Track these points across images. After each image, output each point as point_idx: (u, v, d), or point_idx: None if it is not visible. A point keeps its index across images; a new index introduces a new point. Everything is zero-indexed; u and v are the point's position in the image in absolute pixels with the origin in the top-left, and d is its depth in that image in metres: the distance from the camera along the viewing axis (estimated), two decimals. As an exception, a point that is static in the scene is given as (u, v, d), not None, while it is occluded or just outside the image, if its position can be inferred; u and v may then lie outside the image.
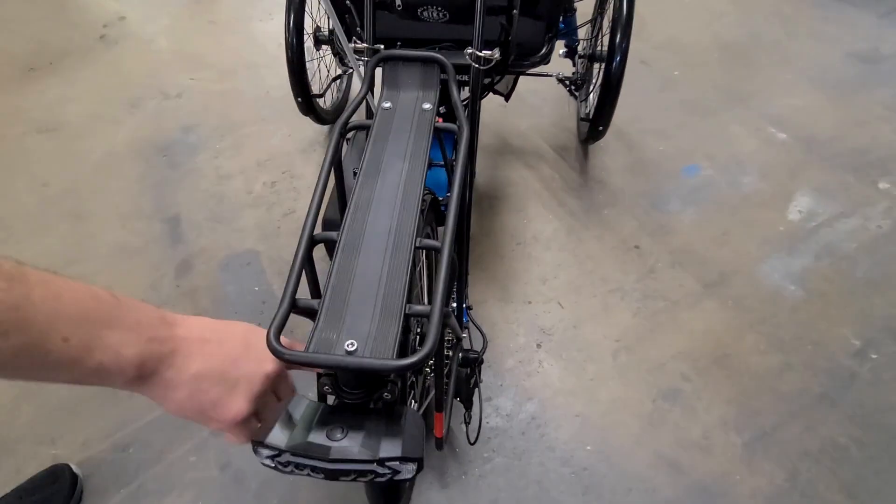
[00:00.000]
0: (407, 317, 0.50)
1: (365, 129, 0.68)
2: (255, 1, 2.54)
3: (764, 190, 1.66)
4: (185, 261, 1.50)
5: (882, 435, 1.15)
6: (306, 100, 1.56)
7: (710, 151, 1.78)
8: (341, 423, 0.46)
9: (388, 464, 0.43)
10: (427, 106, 0.69)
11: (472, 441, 1.02)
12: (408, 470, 0.44)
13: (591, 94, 1.63)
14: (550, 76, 1.62)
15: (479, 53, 0.80)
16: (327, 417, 0.47)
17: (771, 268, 1.46)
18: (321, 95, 1.64)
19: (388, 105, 0.70)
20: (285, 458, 0.44)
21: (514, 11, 0.87)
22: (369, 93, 0.77)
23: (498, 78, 1.13)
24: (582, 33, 1.61)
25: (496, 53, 0.81)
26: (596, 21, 1.59)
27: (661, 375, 1.25)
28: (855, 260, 1.47)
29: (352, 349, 0.46)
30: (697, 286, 1.42)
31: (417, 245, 0.55)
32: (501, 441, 1.15)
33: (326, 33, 1.62)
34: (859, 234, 1.53)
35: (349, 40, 1.34)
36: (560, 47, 1.59)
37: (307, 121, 1.89)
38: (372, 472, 0.44)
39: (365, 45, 0.85)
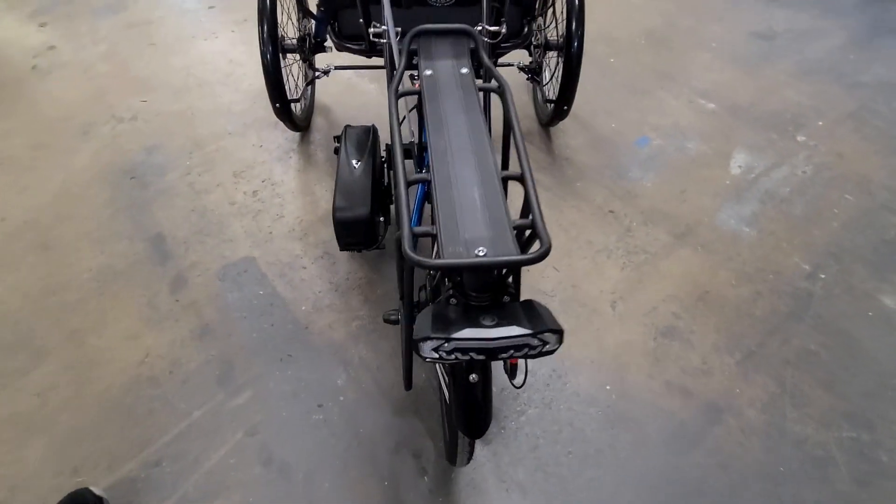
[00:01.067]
0: (515, 229, 0.57)
1: (416, 94, 0.75)
2: (195, 22, 2.51)
3: (707, 152, 1.87)
4: (178, 276, 1.46)
5: (841, 338, 1.34)
6: (284, 105, 1.58)
7: (655, 123, 1.98)
8: (487, 315, 0.52)
9: (539, 336, 0.50)
10: (465, 70, 0.77)
11: (519, 385, 1.09)
12: (554, 341, 0.51)
13: (550, 80, 1.78)
14: (511, 66, 1.75)
15: (490, 28, 0.89)
16: (465, 314, 0.53)
17: (726, 216, 1.65)
18: (298, 100, 1.67)
19: (429, 73, 0.77)
20: (452, 345, 0.50)
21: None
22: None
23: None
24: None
25: (503, 28, 0.90)
26: (546, 14, 1.74)
27: (655, 317, 1.39)
28: (791, 201, 1.70)
29: (482, 254, 0.53)
30: (669, 238, 1.58)
31: (502, 176, 0.63)
32: (529, 395, 1.23)
33: (293, 43, 1.65)
34: (790, 179, 1.77)
35: (340, 38, 1.40)
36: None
37: (277, 131, 1.91)
38: (527, 345, 0.51)
39: (384, 27, 0.91)
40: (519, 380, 1.11)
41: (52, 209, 1.64)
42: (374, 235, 1.30)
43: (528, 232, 0.60)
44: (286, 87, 1.59)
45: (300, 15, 1.68)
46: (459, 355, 0.51)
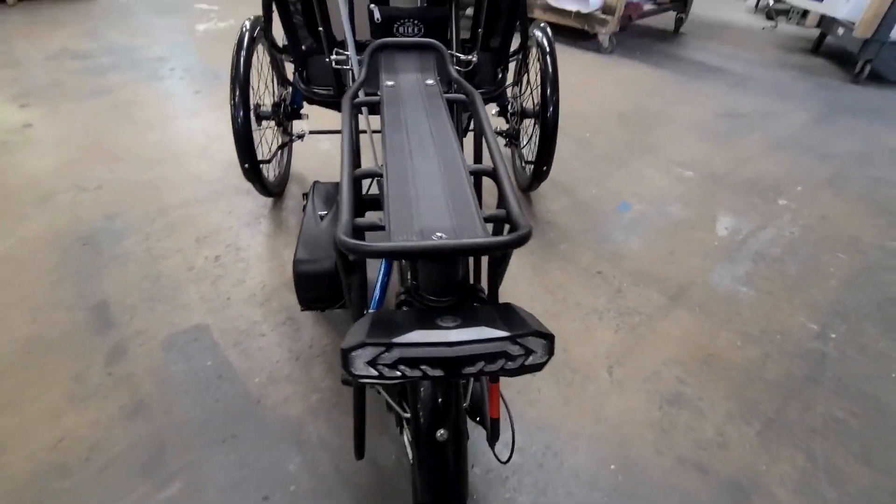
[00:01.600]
0: (487, 220, 0.45)
1: (374, 104, 0.67)
2: (178, 102, 2.55)
3: (690, 216, 1.83)
4: (117, 346, 1.29)
5: (867, 402, 1.19)
6: (253, 165, 1.52)
7: (635, 190, 1.96)
8: (447, 316, 0.38)
9: (520, 340, 0.36)
10: (430, 82, 0.70)
11: (505, 460, 0.90)
12: (542, 349, 0.37)
13: (527, 144, 1.77)
14: (489, 131, 1.74)
15: (462, 57, 0.85)
16: (421, 317, 0.39)
17: (720, 276, 1.56)
18: (268, 161, 1.61)
19: (391, 83, 0.70)
20: (395, 353, 0.35)
21: (479, 31, 0.95)
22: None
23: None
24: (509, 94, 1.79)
25: (473, 57, 0.86)
26: (519, 83, 1.78)
27: (658, 383, 1.23)
28: (784, 261, 1.63)
29: (442, 237, 0.41)
30: (663, 299, 1.47)
31: (472, 170, 0.53)
32: (520, 478, 1.03)
33: (269, 109, 1.64)
34: (779, 240, 1.72)
35: (308, 85, 1.37)
36: (493, 108, 1.75)
37: (248, 198, 1.84)
38: (504, 353, 0.36)
39: (347, 53, 0.87)
40: (504, 454, 0.93)
41: (-11, 277, 1.48)
42: (339, 291, 1.17)
43: (506, 228, 0.48)
44: (258, 150, 1.54)
45: (278, 83, 1.69)
46: (407, 370, 0.37)
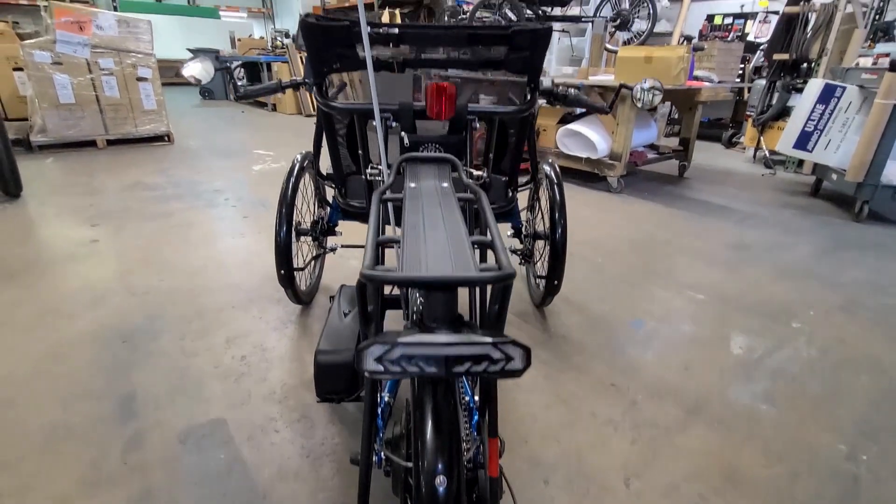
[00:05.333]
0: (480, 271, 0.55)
1: (399, 199, 0.82)
2: (228, 224, 2.85)
3: (704, 334, 1.86)
4: (136, 436, 1.32)
5: (914, 531, 1.09)
6: (288, 272, 1.68)
7: (648, 309, 2.02)
8: (441, 328, 0.46)
9: (501, 347, 0.43)
10: (445, 185, 0.86)
11: None
12: (520, 358, 0.44)
13: (539, 262, 1.91)
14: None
15: (474, 171, 1.02)
16: (422, 329, 0.47)
17: (738, 392, 1.54)
18: (302, 269, 1.77)
19: (413, 185, 0.86)
20: (398, 351, 0.43)
21: (490, 155, 1.14)
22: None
23: None
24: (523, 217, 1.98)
25: (484, 173, 1.03)
26: (533, 207, 1.98)
27: (679, 499, 1.17)
28: (803, 380, 1.60)
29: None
30: (681, 412, 1.45)
31: (472, 241, 0.63)
32: None
33: (307, 227, 1.86)
34: (796, 360, 1.71)
35: (345, 198, 1.57)
36: (508, 229, 1.93)
37: (279, 305, 1.97)
38: (487, 356, 0.43)
39: (380, 167, 1.05)
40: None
41: (32, 367, 1.59)
42: (355, 384, 1.22)
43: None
44: (294, 260, 1.71)
45: (318, 204, 1.93)
46: (407, 365, 0.43)
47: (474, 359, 0.44)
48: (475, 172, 1.02)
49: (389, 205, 0.87)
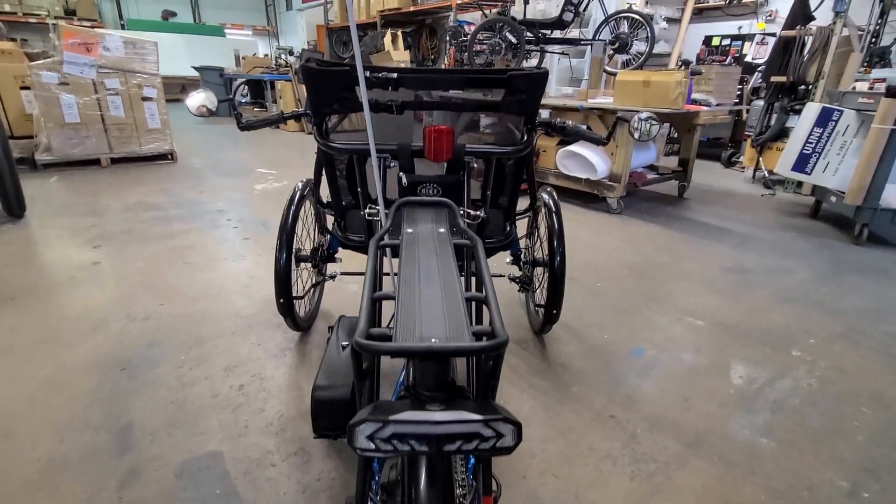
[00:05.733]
0: (475, 335, 0.56)
1: (395, 246, 0.83)
2: (229, 247, 2.87)
3: (703, 363, 1.85)
4: (132, 470, 1.31)
5: (917, 575, 1.08)
6: (288, 301, 1.68)
7: (647, 337, 2.02)
8: (435, 402, 0.46)
9: (492, 424, 0.43)
10: (442, 230, 0.87)
11: None
12: (511, 435, 0.44)
13: (539, 290, 1.91)
14: (503, 276, 1.90)
15: (472, 212, 1.03)
16: (414, 403, 0.48)
17: (738, 425, 1.53)
18: (302, 297, 1.77)
19: (410, 231, 0.87)
20: (389, 430, 0.43)
21: (488, 193, 1.16)
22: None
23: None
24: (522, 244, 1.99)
25: (482, 213, 1.04)
26: (532, 234, 1.99)
27: (678, 539, 1.15)
28: (804, 412, 1.60)
29: (435, 342, 0.51)
30: (680, 447, 1.44)
31: (466, 296, 0.64)
32: None
33: (307, 253, 1.87)
34: (797, 391, 1.70)
35: (345, 233, 1.58)
36: (507, 256, 1.93)
37: (278, 332, 1.97)
38: (478, 434, 0.43)
39: (378, 208, 1.06)
40: None
41: (30, 396, 1.58)
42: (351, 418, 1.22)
43: (484, 338, 0.58)
44: (294, 287, 1.72)
45: (317, 230, 1.94)
46: (398, 444, 0.43)
47: (465, 437, 0.45)
48: (472, 212, 1.03)
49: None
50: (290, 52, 10.49)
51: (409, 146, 1.10)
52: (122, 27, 12.94)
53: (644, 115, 1.61)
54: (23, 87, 5.09)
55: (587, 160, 3.70)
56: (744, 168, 5.27)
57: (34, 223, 3.20)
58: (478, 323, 0.62)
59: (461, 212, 1.04)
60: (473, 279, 0.78)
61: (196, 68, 9.65)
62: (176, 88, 12.35)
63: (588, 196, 4.05)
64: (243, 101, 9.84)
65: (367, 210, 1.12)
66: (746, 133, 5.49)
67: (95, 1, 12.68)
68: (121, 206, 3.59)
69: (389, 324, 0.60)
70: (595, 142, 1.66)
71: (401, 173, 1.11)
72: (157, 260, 2.66)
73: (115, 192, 3.98)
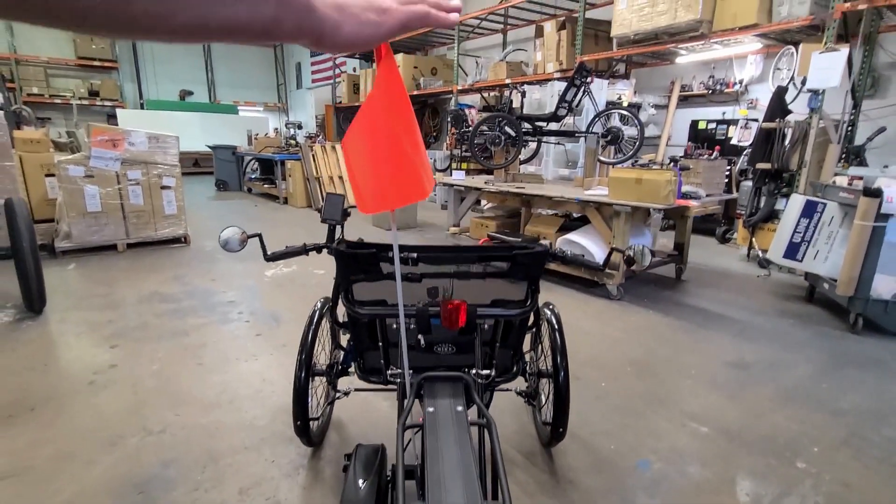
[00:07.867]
0: None
1: (420, 426, 0.92)
2: (241, 346, 2.95)
3: (710, 477, 1.88)
4: None
5: None
6: (304, 422, 1.75)
7: (653, 446, 2.06)
8: None
9: None
10: (459, 408, 0.96)
11: None
12: None
13: (546, 403, 1.97)
14: (510, 391, 1.98)
15: (482, 372, 1.13)
16: None
17: (747, 552, 1.55)
18: (318, 418, 1.84)
19: (431, 409, 0.96)
20: None
21: (497, 344, 1.26)
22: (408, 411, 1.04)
23: (489, 394, 1.46)
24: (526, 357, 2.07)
25: (492, 372, 1.14)
26: (537, 347, 2.08)
27: None
28: (812, 536, 1.61)
29: None
30: (691, 580, 1.45)
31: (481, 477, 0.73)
32: None
33: (322, 368, 1.95)
34: (803, 510, 1.72)
35: (364, 372, 1.67)
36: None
37: (291, 446, 2.02)
38: None
39: (400, 370, 1.16)
40: None
41: (50, 526, 1.62)
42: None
43: None
44: (309, 407, 1.79)
45: (333, 346, 2.03)
46: None
47: None
48: (483, 372, 1.13)
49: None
50: (299, 126, 11.04)
51: (426, 311, 1.22)
52: (142, 106, 13.72)
53: (639, 246, 1.76)
54: (47, 175, 5.39)
55: (586, 249, 3.85)
56: (738, 245, 5.44)
57: (53, 318, 3.30)
58: (493, 497, 0.71)
59: (476, 377, 1.14)
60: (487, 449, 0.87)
61: (210, 147, 10.15)
62: (189, 162, 12.92)
63: (588, 281, 4.17)
64: (253, 176, 10.26)
65: (389, 372, 1.23)
66: (738, 211, 5.71)
67: (118, 83, 13.53)
68: (136, 298, 3.71)
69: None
70: (592, 268, 1.79)
71: (419, 335, 1.22)
72: (172, 361, 2.73)
73: (130, 281, 4.12)
